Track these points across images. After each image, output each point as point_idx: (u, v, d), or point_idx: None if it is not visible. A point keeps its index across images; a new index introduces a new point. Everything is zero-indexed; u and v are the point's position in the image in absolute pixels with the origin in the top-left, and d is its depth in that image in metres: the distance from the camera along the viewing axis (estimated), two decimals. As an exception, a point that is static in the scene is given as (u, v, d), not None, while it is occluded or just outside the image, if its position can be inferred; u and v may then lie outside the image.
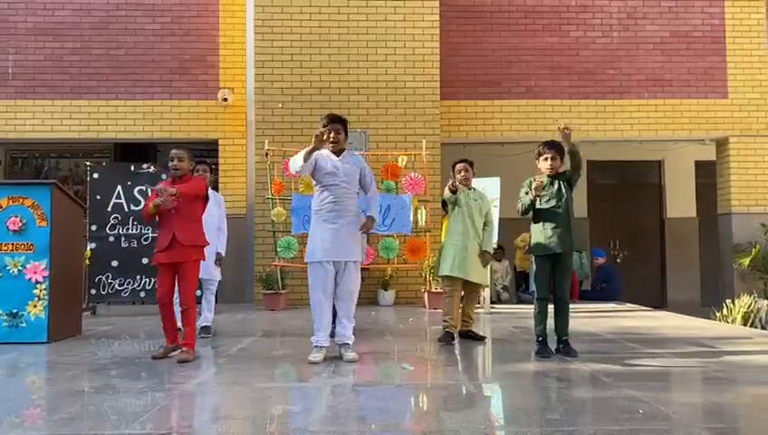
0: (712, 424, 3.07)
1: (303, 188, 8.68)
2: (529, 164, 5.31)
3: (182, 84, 9.99)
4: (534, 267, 5.17)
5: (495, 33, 10.24)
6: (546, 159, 4.87)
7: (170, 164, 4.89)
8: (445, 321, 5.57)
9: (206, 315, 6.09)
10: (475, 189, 5.78)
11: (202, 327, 6.06)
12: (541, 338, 4.85)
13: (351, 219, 4.71)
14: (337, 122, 4.76)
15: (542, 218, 4.89)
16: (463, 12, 10.22)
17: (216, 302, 6.33)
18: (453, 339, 5.53)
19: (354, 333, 4.96)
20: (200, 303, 6.62)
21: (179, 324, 5.04)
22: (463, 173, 5.64)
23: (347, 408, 3.43)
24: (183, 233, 4.77)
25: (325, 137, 4.65)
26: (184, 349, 4.79)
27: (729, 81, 10.32)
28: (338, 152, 4.77)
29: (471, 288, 5.75)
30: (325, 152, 4.75)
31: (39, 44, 9.96)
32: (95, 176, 8.39)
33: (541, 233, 4.87)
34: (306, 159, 4.54)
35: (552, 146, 4.88)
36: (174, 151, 4.89)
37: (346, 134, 4.83)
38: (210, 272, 6.06)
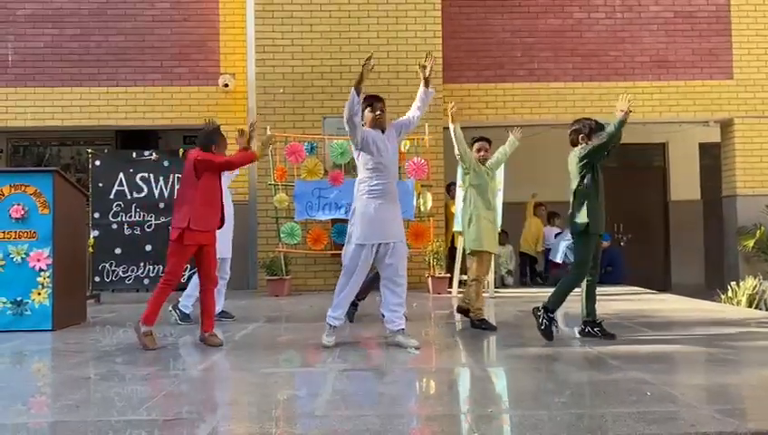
0: (719, 405, 3.05)
1: (306, 174, 8.65)
2: (533, 148, 5.26)
3: (183, 70, 9.92)
4: (571, 244, 4.97)
5: (498, 15, 10.12)
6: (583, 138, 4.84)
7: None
8: (479, 309, 5.43)
9: (220, 300, 6.06)
10: (489, 167, 5.76)
11: (221, 312, 6.04)
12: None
13: (396, 200, 4.69)
14: (381, 101, 4.69)
15: (597, 195, 4.74)
16: (465, -7, 10.11)
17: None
18: (492, 326, 5.45)
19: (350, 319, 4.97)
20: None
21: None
22: (483, 153, 5.66)
23: (352, 392, 3.42)
24: (214, 217, 4.80)
25: (377, 114, 4.61)
26: (212, 333, 4.78)
27: (734, 61, 10.21)
28: (382, 130, 4.66)
29: None
30: (372, 130, 4.63)
31: (38, 31, 9.87)
32: (97, 163, 8.36)
33: (597, 210, 4.71)
34: (358, 92, 4.45)
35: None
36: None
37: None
38: (221, 251, 6.04)
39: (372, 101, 4.66)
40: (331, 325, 4.64)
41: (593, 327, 4.78)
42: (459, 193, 7.03)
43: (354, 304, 5.49)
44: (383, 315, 4.66)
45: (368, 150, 4.54)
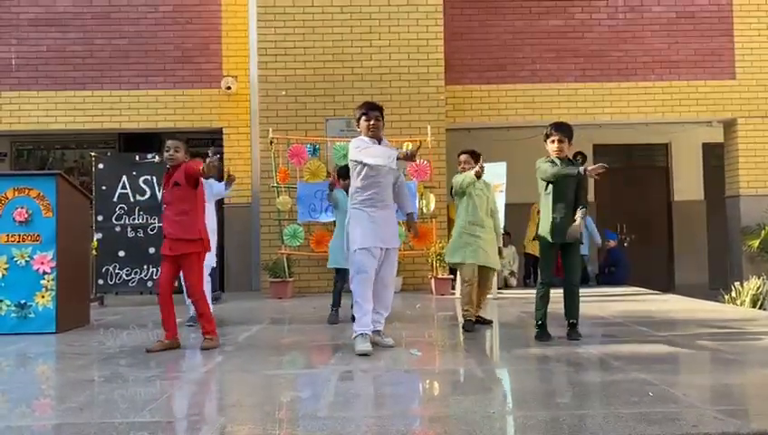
0: (722, 406, 3.05)
1: (308, 176, 8.67)
2: (535, 148, 5.25)
3: (185, 73, 9.95)
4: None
5: (500, 16, 10.13)
6: (554, 141, 4.79)
7: (165, 154, 4.81)
8: (466, 310, 5.49)
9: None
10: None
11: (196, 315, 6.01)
12: (540, 323, 4.78)
13: (393, 206, 4.73)
14: (376, 110, 4.61)
15: (549, 205, 4.75)
16: (466, -5, 10.12)
17: (222, 290, 6.25)
18: (473, 326, 5.49)
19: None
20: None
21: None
22: (463, 165, 5.70)
23: (355, 394, 3.43)
24: (170, 226, 4.72)
25: (367, 124, 4.58)
26: (207, 336, 4.78)
27: (737, 61, 10.19)
28: (378, 141, 4.61)
29: (483, 276, 5.73)
30: (369, 141, 4.58)
31: (41, 35, 9.91)
32: (100, 166, 8.38)
33: (547, 220, 4.75)
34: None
35: (559, 128, 4.81)
36: (169, 142, 4.81)
37: (383, 121, 4.67)
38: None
39: (367, 109, 4.60)
40: (363, 335, 4.46)
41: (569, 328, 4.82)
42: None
43: (336, 309, 5.96)
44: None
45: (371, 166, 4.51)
